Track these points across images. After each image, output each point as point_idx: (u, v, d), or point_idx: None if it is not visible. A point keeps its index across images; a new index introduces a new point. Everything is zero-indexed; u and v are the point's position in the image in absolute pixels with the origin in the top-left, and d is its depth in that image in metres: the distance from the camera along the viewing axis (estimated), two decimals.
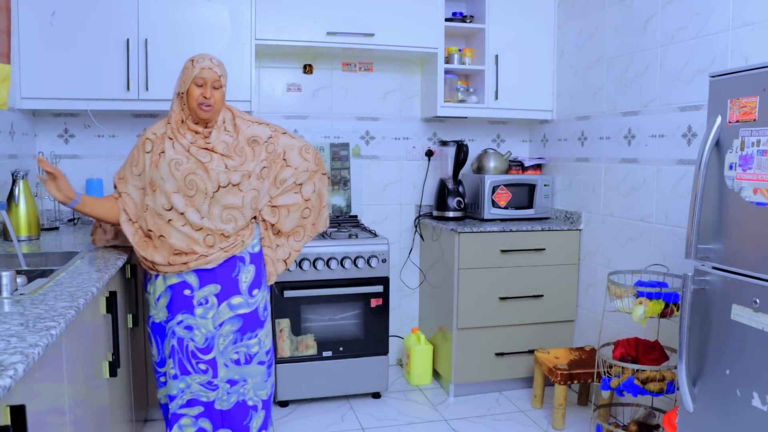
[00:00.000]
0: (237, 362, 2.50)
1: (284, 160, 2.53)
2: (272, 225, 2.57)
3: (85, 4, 3.18)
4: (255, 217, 2.53)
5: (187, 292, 2.41)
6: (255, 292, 2.51)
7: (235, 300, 2.45)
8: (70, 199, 2.32)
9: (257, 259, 2.53)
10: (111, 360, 2.14)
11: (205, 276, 2.41)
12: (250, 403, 2.56)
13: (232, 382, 2.51)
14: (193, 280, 2.41)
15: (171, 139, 2.37)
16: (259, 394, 2.58)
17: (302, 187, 2.59)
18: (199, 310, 2.42)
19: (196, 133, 2.38)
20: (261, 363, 2.56)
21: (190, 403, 2.47)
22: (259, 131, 2.49)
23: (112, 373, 2.13)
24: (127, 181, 2.43)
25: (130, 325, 2.65)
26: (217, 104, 2.36)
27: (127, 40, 3.23)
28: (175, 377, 2.43)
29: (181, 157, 2.33)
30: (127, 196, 2.43)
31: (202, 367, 2.45)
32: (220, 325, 2.44)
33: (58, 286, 1.79)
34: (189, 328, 2.42)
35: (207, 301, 2.42)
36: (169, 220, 2.33)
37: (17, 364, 1.15)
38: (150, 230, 2.38)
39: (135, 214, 2.42)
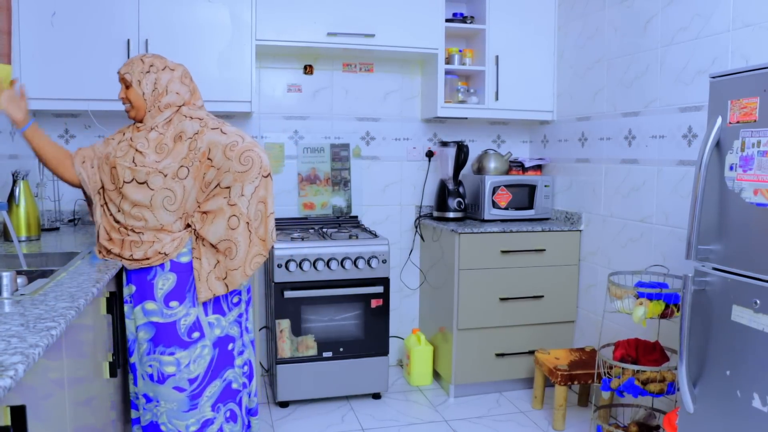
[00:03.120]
0: (150, 377, 2.29)
1: (209, 159, 2.22)
2: (200, 234, 2.28)
3: (86, 4, 3.18)
4: (189, 226, 2.30)
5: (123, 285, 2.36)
6: (173, 304, 2.27)
7: (149, 305, 2.27)
8: (26, 121, 2.30)
9: (181, 269, 2.28)
10: (111, 360, 2.14)
11: (125, 273, 2.33)
12: (163, 428, 2.31)
13: (147, 398, 2.33)
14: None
15: (122, 132, 2.35)
16: (176, 424, 2.30)
17: (230, 191, 2.25)
18: (126, 308, 2.34)
19: (137, 129, 2.30)
20: (178, 389, 2.28)
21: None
22: (188, 127, 2.24)
23: (113, 373, 2.13)
24: (94, 147, 2.39)
25: None
26: (134, 101, 2.26)
27: (128, 40, 3.24)
28: None
29: (112, 151, 2.27)
30: (83, 151, 2.38)
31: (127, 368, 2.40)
32: (137, 328, 2.30)
33: (58, 287, 1.79)
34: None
35: (128, 301, 2.32)
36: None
37: (18, 364, 1.14)
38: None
39: (88, 161, 2.37)
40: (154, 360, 2.28)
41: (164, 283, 2.27)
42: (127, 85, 2.27)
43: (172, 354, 2.27)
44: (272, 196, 2.33)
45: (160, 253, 2.23)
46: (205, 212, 2.28)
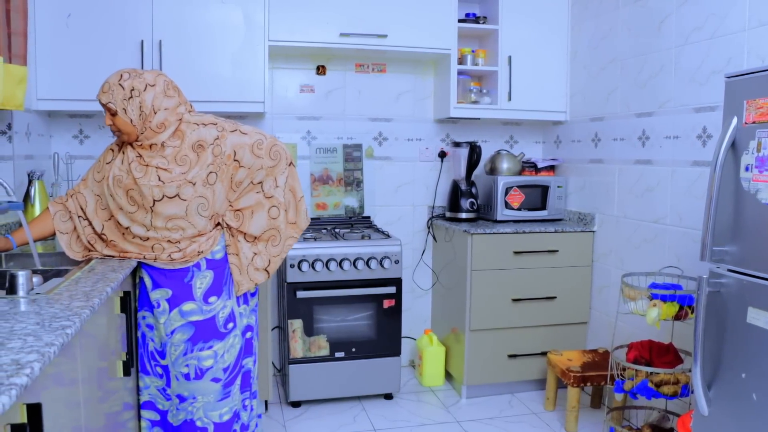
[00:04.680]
0: (187, 377, 2.32)
1: (236, 161, 2.27)
2: (239, 230, 2.35)
3: (100, 5, 3.21)
4: (219, 224, 2.35)
5: (148, 289, 2.33)
6: (212, 299, 2.32)
7: (187, 306, 2.29)
8: (7, 248, 2.27)
9: (217, 265, 2.34)
10: (125, 359, 2.15)
11: (156, 278, 2.30)
12: (198, 423, 2.34)
13: (181, 398, 2.34)
14: (147, 279, 2.32)
15: (113, 150, 2.30)
16: (210, 416, 2.35)
17: (262, 185, 2.36)
18: (156, 311, 2.32)
19: (140, 146, 2.22)
20: (215, 380, 2.33)
21: (146, 405, 2.41)
22: (205, 134, 2.24)
23: (126, 372, 2.14)
24: (87, 184, 2.34)
25: None
26: (123, 128, 2.17)
27: (142, 41, 3.26)
28: (140, 370, 2.41)
29: (123, 174, 2.21)
30: (81, 196, 2.33)
31: (159, 371, 2.38)
32: (172, 332, 2.30)
33: (73, 286, 1.81)
34: (150, 327, 2.37)
35: (159, 305, 2.30)
36: (123, 233, 2.27)
37: (33, 362, 1.15)
38: (103, 233, 2.29)
39: (77, 215, 2.33)
40: (192, 359, 2.31)
41: (202, 281, 2.31)
42: (112, 113, 2.17)
43: (210, 347, 2.32)
44: (299, 181, 2.48)
45: (198, 252, 2.29)
46: (239, 210, 2.35)
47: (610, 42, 3.55)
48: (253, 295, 2.51)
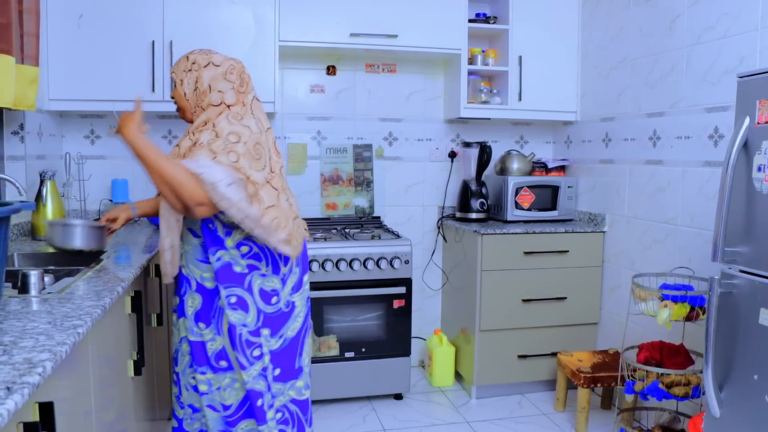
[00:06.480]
0: (194, 388, 2.26)
1: None
2: None
3: (112, 6, 3.23)
4: None
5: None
6: (201, 324, 2.19)
7: (184, 321, 2.24)
8: (130, 216, 2.37)
9: (207, 292, 2.19)
10: (136, 359, 2.16)
11: (171, 285, 2.30)
12: None
13: (193, 409, 2.30)
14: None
15: None
16: None
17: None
18: (174, 317, 2.32)
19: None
20: (212, 408, 2.22)
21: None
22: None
23: (137, 371, 2.15)
24: None
25: (155, 324, 2.67)
26: (177, 101, 2.19)
27: (153, 42, 3.27)
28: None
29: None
30: None
31: (173, 377, 2.35)
32: (180, 341, 2.28)
33: (84, 285, 1.82)
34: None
35: (175, 310, 2.30)
36: None
37: (45, 361, 1.16)
38: None
39: None
40: (192, 374, 2.26)
41: (193, 301, 2.22)
42: (174, 86, 2.20)
43: (203, 373, 2.21)
44: None
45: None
46: None
47: (620, 42, 3.54)
48: (258, 358, 2.21)
